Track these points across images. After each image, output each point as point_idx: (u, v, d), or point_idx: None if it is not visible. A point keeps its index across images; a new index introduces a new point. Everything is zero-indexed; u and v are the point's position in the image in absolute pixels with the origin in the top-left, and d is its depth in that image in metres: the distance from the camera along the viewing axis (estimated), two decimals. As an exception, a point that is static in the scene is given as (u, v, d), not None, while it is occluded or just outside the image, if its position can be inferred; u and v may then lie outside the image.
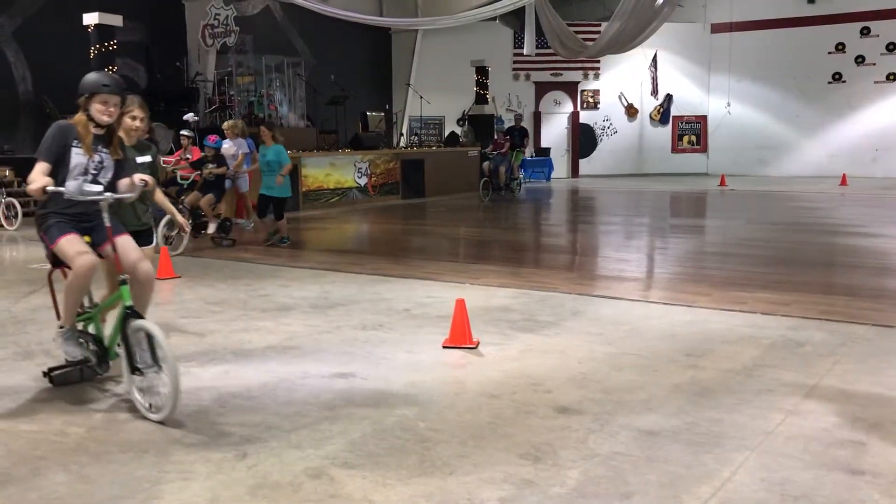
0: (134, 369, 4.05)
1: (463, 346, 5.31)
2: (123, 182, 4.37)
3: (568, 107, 26.54)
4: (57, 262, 4.37)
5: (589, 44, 20.88)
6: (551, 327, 5.87)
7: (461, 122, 22.04)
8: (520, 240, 12.00)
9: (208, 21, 17.33)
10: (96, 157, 4.27)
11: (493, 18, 22.53)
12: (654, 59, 26.44)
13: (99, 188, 4.17)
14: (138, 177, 4.36)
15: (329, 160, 16.44)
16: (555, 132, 26.40)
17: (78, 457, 3.55)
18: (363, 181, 17.19)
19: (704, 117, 27.29)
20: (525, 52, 21.48)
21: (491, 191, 17.64)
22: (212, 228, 10.45)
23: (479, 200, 17.06)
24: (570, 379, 4.63)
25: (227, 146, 11.61)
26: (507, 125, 20.52)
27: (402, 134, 22.58)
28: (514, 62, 25.56)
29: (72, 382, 4.52)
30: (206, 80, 17.56)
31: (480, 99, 22.22)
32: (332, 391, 4.44)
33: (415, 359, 5.10)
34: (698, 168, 27.17)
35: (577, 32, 21.42)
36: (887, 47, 24.07)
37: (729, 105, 26.33)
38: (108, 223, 4.17)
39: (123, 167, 4.45)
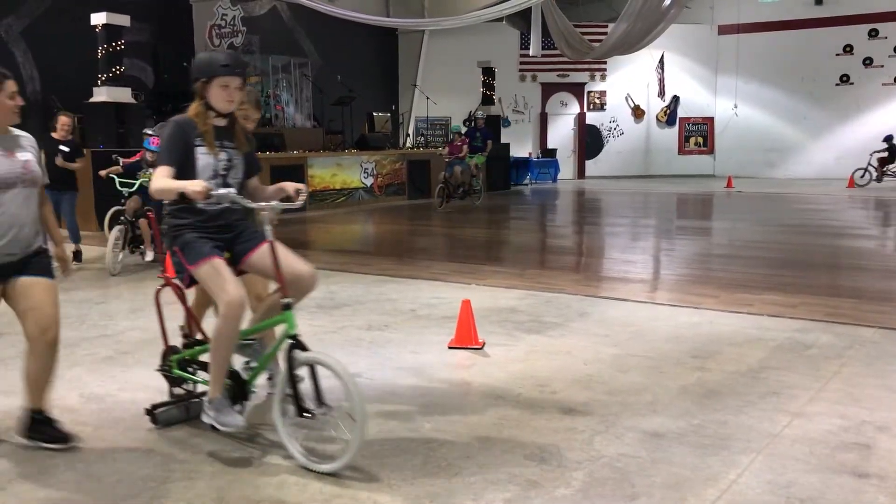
0: (302, 411, 3.38)
1: (469, 346, 5.32)
2: (270, 190, 3.74)
3: (574, 108, 26.51)
4: (187, 280, 3.70)
5: (595, 45, 20.83)
6: (557, 328, 5.87)
7: (467, 123, 22.02)
8: (526, 241, 11.99)
9: (215, 21, 17.37)
10: (223, 155, 3.61)
11: (500, 19, 22.54)
12: (661, 61, 26.40)
13: (231, 191, 3.48)
14: (292, 186, 3.70)
15: (335, 160, 16.46)
16: (561, 133, 26.38)
17: (85, 455, 3.56)
18: (369, 182, 17.21)
19: (711, 119, 27.23)
20: (531, 53, 21.45)
21: (445, 198, 15.71)
22: (149, 256, 8.98)
23: (435, 209, 15.55)
24: (575, 380, 4.62)
25: None
26: (469, 126, 18.16)
27: (408, 134, 22.60)
28: (521, 63, 25.54)
29: (177, 422, 3.92)
30: (213, 80, 17.57)
31: (487, 100, 22.21)
32: (337, 391, 4.44)
33: (420, 359, 5.10)
34: (705, 170, 27.12)
35: (583, 34, 21.38)
36: (895, 49, 24.00)
37: (736, 107, 26.28)
38: (270, 237, 3.50)
39: (253, 162, 3.81)
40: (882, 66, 24.28)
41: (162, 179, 3.46)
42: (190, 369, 3.95)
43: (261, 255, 3.61)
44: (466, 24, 19.92)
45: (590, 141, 26.64)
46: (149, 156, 8.93)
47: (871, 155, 21.46)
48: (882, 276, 8.19)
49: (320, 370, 3.37)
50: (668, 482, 3.25)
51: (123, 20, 13.79)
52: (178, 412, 3.93)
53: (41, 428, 3.61)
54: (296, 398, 3.38)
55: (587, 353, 5.19)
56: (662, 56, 26.18)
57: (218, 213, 3.59)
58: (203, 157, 3.55)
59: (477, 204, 16.29)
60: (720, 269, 8.73)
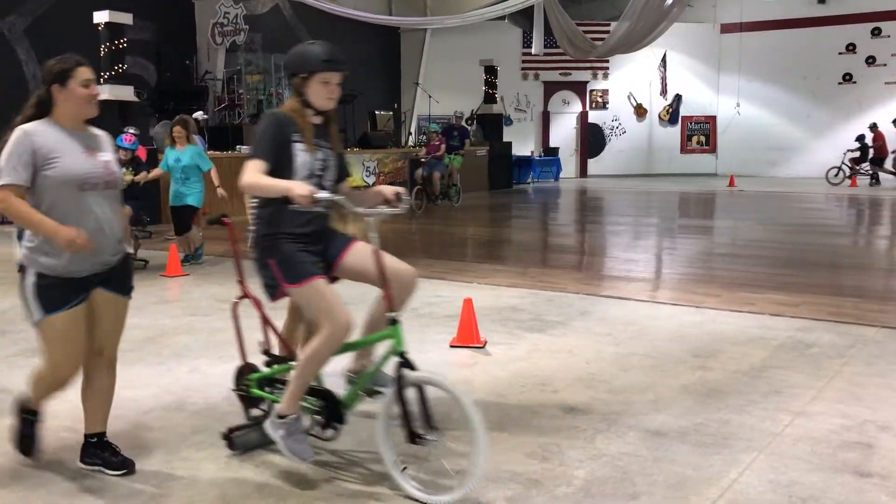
0: (413, 437, 3.05)
1: (470, 345, 5.32)
2: (368, 195, 3.46)
3: (577, 106, 26.50)
4: (277, 296, 3.38)
5: (598, 43, 20.83)
6: (559, 327, 5.87)
7: (469, 122, 22.02)
8: (528, 240, 11.99)
9: (218, 20, 17.37)
10: (319, 155, 3.34)
11: (502, 17, 22.52)
12: (664, 59, 26.38)
13: (326, 194, 3.15)
14: (391, 189, 3.38)
15: (337, 159, 16.43)
16: (563, 132, 26.37)
17: (87, 453, 3.56)
18: (371, 180, 17.22)
19: (714, 118, 27.22)
20: (533, 51, 21.44)
21: (424, 200, 15.28)
22: (128, 250, 8.78)
23: (413, 211, 14.26)
24: (577, 379, 4.62)
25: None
26: (447, 124, 17.79)
27: (410, 133, 22.61)
28: (523, 62, 25.53)
29: (256, 446, 3.57)
30: (215, 78, 17.61)
31: (489, 98, 22.21)
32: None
33: (422, 358, 5.04)
34: (707, 169, 27.10)
35: (586, 32, 21.38)
36: (898, 48, 24.00)
37: (738, 105, 26.25)
38: (376, 246, 3.23)
39: (344, 165, 3.54)
40: (885, 65, 24.26)
41: (257, 175, 3.15)
42: (268, 389, 3.61)
43: (354, 255, 3.39)
44: (469, 23, 19.93)
45: (592, 139, 26.63)
46: (121, 154, 8.50)
47: (844, 154, 21.68)
48: (884, 275, 8.18)
49: (430, 391, 3.05)
50: (669, 481, 3.25)
51: (126, 18, 13.81)
52: (256, 435, 3.54)
53: (100, 453, 3.36)
54: (406, 422, 3.04)
55: (589, 352, 5.19)
56: (665, 55, 26.17)
57: (310, 220, 3.31)
58: (301, 155, 3.28)
59: (456, 205, 15.95)
60: (722, 268, 8.73)
